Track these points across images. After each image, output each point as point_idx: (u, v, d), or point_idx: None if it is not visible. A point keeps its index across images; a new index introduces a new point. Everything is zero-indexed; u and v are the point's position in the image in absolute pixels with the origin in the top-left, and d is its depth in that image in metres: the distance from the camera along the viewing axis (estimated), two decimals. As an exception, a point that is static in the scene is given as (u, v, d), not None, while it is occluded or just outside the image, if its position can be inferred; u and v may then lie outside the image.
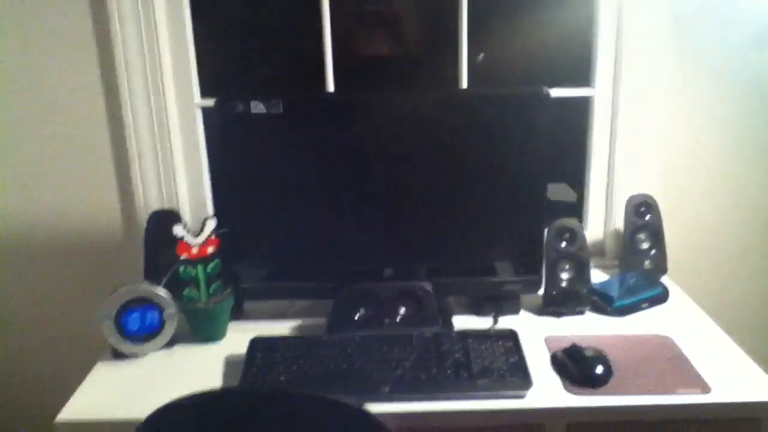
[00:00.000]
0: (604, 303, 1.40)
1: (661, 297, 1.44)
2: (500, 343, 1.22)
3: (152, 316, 1.27)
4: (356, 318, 1.30)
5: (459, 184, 1.30)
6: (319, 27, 1.54)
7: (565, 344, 1.23)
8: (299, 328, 1.38)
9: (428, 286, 1.32)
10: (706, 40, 1.54)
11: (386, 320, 1.30)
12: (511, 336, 1.24)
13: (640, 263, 1.54)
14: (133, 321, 1.26)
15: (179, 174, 1.58)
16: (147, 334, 1.27)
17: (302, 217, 1.32)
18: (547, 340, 1.28)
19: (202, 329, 1.31)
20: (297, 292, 1.39)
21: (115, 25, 1.47)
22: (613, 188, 1.65)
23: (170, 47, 1.52)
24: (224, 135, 1.27)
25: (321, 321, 1.38)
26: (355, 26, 1.72)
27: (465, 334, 1.24)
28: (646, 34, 1.52)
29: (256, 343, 1.23)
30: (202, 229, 1.30)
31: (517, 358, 1.18)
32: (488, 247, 1.35)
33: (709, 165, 1.64)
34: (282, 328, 1.38)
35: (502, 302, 1.39)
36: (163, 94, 1.52)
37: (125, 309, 1.25)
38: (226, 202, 1.29)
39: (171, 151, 1.55)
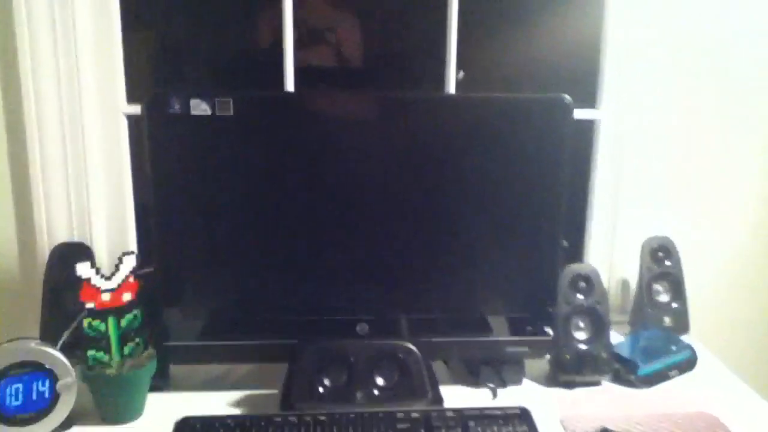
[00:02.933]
0: (626, 370, 1.13)
1: (690, 361, 1.19)
2: (510, 427, 0.93)
3: (41, 387, 0.93)
4: (320, 390, 0.99)
5: (454, 212, 1.03)
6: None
7: (592, 427, 0.95)
8: (244, 402, 1.06)
9: (413, 347, 1.03)
10: (730, 59, 1.34)
11: (359, 393, 0.99)
12: (524, 416, 0.95)
13: (659, 319, 1.29)
14: (14, 394, 0.92)
15: (95, 198, 1.25)
16: (33, 412, 0.92)
17: (253, 253, 1.02)
18: (566, 422, 1.00)
19: (111, 405, 0.97)
20: (241, 352, 1.07)
21: (21, 15, 1.15)
22: (618, 229, 1.41)
23: (92, 42, 1.21)
24: (155, 144, 0.96)
25: (273, 393, 1.07)
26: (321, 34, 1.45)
27: (464, 415, 0.95)
28: (661, 46, 1.30)
29: (184, 426, 0.90)
30: (117, 269, 0.97)
31: (535, 448, 0.89)
32: (488, 295, 1.07)
33: (734, 204, 1.42)
34: (220, 402, 1.05)
35: (502, 369, 1.11)
36: (79, 99, 1.20)
37: (3, 377, 0.91)
38: (153, 232, 0.99)
39: (86, 169, 1.23)
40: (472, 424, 0.93)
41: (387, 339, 1.03)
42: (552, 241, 1.04)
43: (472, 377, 1.12)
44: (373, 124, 0.99)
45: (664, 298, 1.31)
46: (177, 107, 0.93)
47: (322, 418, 0.93)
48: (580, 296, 1.12)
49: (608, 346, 1.12)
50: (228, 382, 1.12)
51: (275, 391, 1.07)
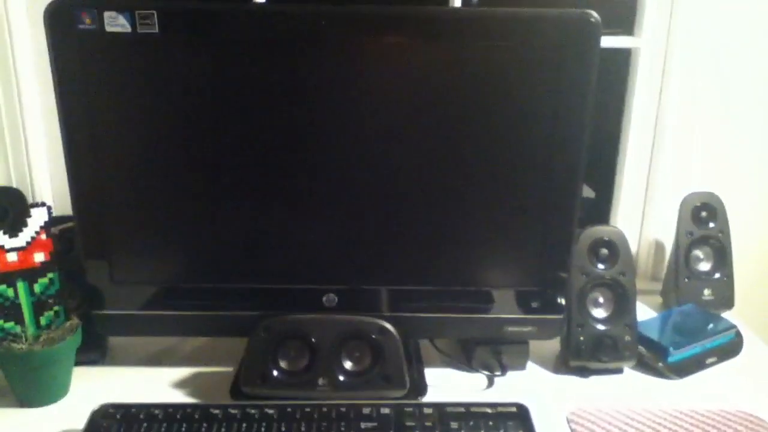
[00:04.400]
0: (652, 356, 0.93)
1: (733, 346, 0.99)
2: (501, 428, 0.75)
3: (-62, 363, 0.78)
4: (275, 374, 0.82)
5: (447, 155, 0.82)
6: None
7: (603, 428, 0.76)
8: (191, 382, 0.89)
9: (389, 325, 0.84)
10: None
11: (321, 379, 0.82)
12: (521, 416, 0.77)
13: (697, 293, 1.08)
14: None
15: (33, 135, 1.07)
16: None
17: (199, 205, 0.83)
18: (573, 419, 0.82)
19: (26, 385, 0.82)
20: (191, 324, 0.89)
21: None
22: (654, 182, 1.19)
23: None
24: (61, 69, 0.76)
25: (227, 372, 0.90)
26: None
27: (445, 412, 0.77)
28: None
29: (101, 417, 0.74)
30: (24, 223, 0.80)
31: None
32: (486, 263, 0.87)
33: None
34: (163, 381, 0.89)
35: (501, 352, 0.92)
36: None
37: None
38: (77, 176, 0.80)
39: (19, 94, 1.04)
40: (454, 426, 0.74)
41: (359, 314, 0.85)
42: (571, 195, 0.82)
43: (464, 360, 0.94)
44: (354, 48, 0.78)
45: (704, 266, 1.09)
46: (87, 22, 0.73)
47: (270, 411, 0.75)
48: (600, 266, 0.92)
49: (633, 326, 0.92)
50: (178, 356, 0.96)
51: (230, 369, 0.91)
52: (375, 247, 0.86)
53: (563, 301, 0.88)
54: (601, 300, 0.93)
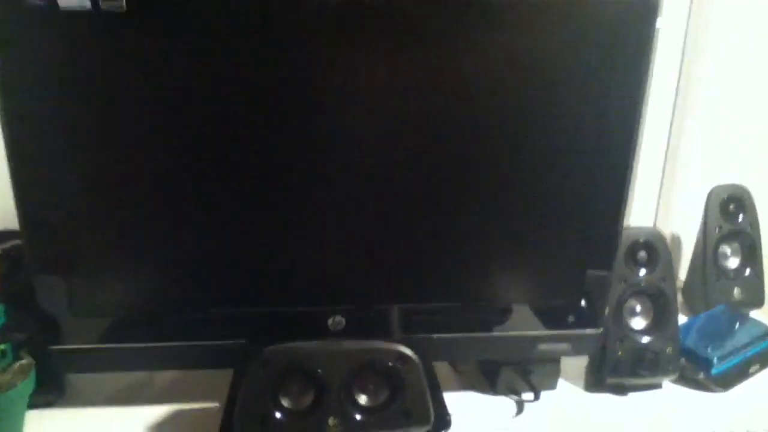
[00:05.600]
0: (693, 367, 0.84)
1: (772, 350, 0.90)
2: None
3: None
4: (277, 416, 0.69)
5: (472, 155, 0.69)
6: None
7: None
8: (171, 424, 0.75)
9: (408, 350, 0.72)
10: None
11: (333, 420, 0.69)
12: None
13: (727, 293, 0.99)
14: None
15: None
16: None
17: (174, 213, 0.68)
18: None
19: (-34, 440, 0.66)
20: (164, 357, 0.74)
21: None
22: (671, 174, 1.09)
23: None
24: (6, 53, 0.60)
25: (212, 408, 0.76)
26: None
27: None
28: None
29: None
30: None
31: None
32: (514, 275, 0.75)
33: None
34: (135, 425, 0.74)
35: (531, 372, 0.81)
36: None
37: None
38: (23, 184, 0.65)
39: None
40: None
41: (371, 338, 0.72)
42: (618, 194, 0.71)
43: (489, 382, 0.82)
44: (359, 34, 0.64)
45: (733, 263, 1.01)
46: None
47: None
48: (641, 271, 0.81)
49: (675, 337, 0.82)
50: (152, 391, 0.81)
51: (215, 405, 0.77)
52: (386, 258, 0.73)
53: (604, 312, 0.77)
54: (638, 309, 0.82)
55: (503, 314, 0.77)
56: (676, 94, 1.06)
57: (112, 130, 0.64)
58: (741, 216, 0.99)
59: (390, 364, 0.71)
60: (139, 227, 0.68)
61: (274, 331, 0.71)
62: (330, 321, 0.73)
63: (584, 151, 0.69)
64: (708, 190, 0.99)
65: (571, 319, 0.76)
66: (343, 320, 0.73)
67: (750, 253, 1.00)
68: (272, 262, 0.71)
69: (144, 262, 0.69)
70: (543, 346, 0.77)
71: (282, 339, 0.69)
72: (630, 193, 1.10)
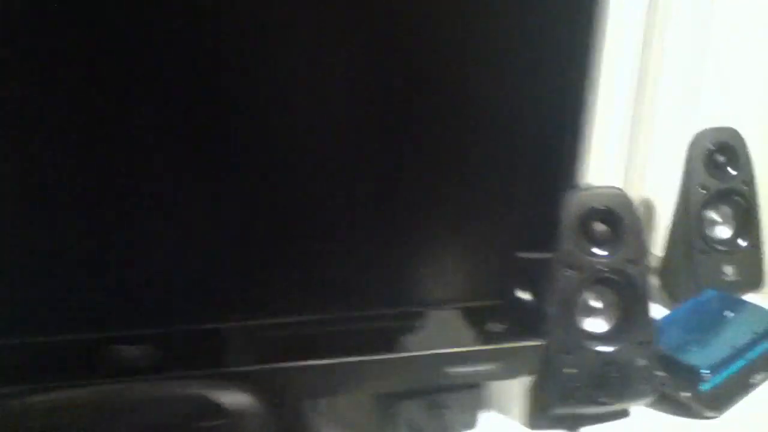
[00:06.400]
0: (675, 382, 0.60)
1: (779, 351, 0.67)
2: None
3: None
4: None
5: (392, 125, 0.45)
6: None
7: None
8: None
9: (242, 395, 0.47)
10: None
11: None
12: None
13: (716, 272, 0.76)
14: None
15: None
16: None
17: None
18: None
19: None
20: None
21: None
22: (645, 118, 0.85)
23: None
24: None
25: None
26: None
27: None
28: None
29: None
30: None
31: None
32: (412, 264, 0.50)
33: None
34: None
35: (443, 407, 0.56)
36: None
37: None
38: None
39: None
40: None
41: (193, 376, 0.47)
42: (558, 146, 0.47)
43: (381, 426, 0.57)
44: None
45: (723, 232, 0.77)
46: None
47: None
48: (597, 251, 0.57)
49: (649, 342, 0.58)
50: None
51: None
52: (213, 247, 0.48)
53: (547, 314, 0.53)
54: (596, 306, 0.58)
55: (401, 327, 0.52)
56: (645, 22, 0.82)
57: None
58: (733, 170, 0.75)
59: (221, 414, 0.46)
60: None
61: (22, 374, 0.45)
62: (133, 351, 0.48)
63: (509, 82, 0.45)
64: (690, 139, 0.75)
65: (498, 327, 0.52)
66: (152, 349, 0.48)
67: (745, 219, 0.76)
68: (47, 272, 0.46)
69: None
70: (458, 369, 0.52)
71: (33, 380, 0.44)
72: (591, 137, 0.87)
